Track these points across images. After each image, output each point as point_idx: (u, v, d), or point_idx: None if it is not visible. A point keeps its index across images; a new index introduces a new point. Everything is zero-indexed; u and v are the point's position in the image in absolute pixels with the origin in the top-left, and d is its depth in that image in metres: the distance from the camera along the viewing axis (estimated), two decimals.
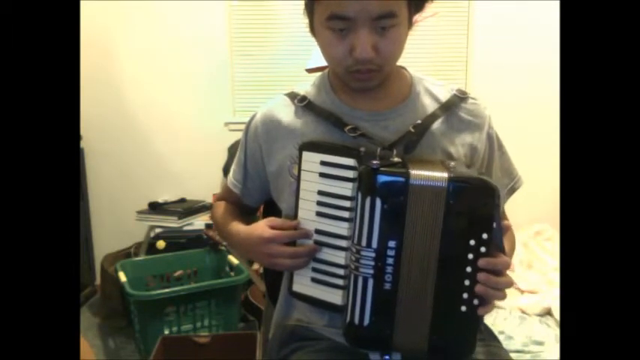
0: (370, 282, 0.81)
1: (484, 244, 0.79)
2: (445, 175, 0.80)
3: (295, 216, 0.92)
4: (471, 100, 1.00)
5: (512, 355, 1.10)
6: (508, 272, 0.83)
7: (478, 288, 0.80)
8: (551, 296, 2.15)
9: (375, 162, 0.80)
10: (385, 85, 0.95)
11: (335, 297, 0.89)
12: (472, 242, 0.79)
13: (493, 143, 1.02)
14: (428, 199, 0.80)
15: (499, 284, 0.80)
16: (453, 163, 0.84)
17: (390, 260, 0.81)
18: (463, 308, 0.81)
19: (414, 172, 0.80)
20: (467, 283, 0.80)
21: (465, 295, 0.81)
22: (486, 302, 0.81)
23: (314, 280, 0.91)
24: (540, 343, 1.88)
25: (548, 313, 2.09)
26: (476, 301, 0.81)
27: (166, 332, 2.01)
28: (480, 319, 0.84)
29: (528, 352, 1.83)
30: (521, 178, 1.06)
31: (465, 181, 0.80)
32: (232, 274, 2.25)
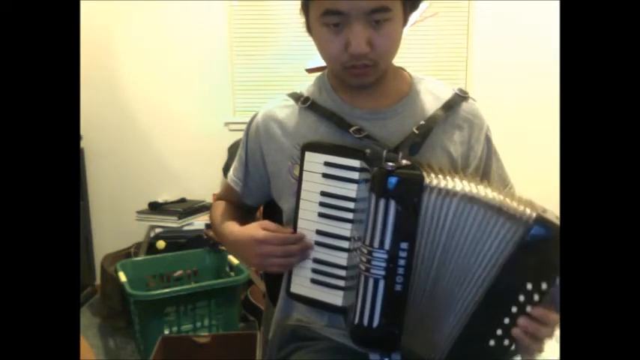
0: (381, 283, 0.80)
1: (539, 293, 0.77)
2: (532, 213, 0.78)
3: (296, 217, 0.91)
4: (471, 100, 1.01)
5: None
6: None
7: (515, 332, 0.78)
8: None
9: (390, 164, 0.79)
10: (383, 83, 0.96)
11: (335, 298, 0.89)
12: (529, 286, 0.77)
13: (491, 147, 1.03)
14: (483, 220, 0.79)
15: (538, 333, 0.78)
16: (544, 209, 0.80)
17: (401, 262, 0.80)
18: (492, 342, 0.80)
19: (455, 181, 0.79)
20: (506, 321, 0.79)
21: (499, 332, 0.79)
22: (524, 348, 0.79)
23: (313, 281, 0.90)
24: None
25: None
26: (506, 342, 0.79)
27: (166, 332, 2.01)
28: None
29: None
30: (513, 185, 1.06)
31: (551, 227, 0.77)
32: (232, 274, 2.25)
